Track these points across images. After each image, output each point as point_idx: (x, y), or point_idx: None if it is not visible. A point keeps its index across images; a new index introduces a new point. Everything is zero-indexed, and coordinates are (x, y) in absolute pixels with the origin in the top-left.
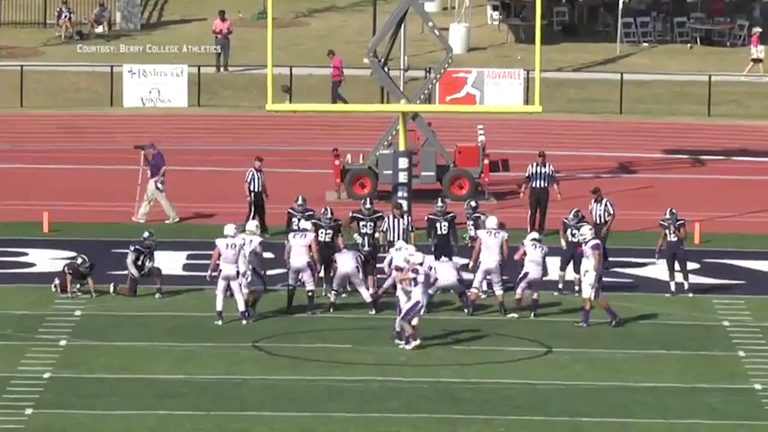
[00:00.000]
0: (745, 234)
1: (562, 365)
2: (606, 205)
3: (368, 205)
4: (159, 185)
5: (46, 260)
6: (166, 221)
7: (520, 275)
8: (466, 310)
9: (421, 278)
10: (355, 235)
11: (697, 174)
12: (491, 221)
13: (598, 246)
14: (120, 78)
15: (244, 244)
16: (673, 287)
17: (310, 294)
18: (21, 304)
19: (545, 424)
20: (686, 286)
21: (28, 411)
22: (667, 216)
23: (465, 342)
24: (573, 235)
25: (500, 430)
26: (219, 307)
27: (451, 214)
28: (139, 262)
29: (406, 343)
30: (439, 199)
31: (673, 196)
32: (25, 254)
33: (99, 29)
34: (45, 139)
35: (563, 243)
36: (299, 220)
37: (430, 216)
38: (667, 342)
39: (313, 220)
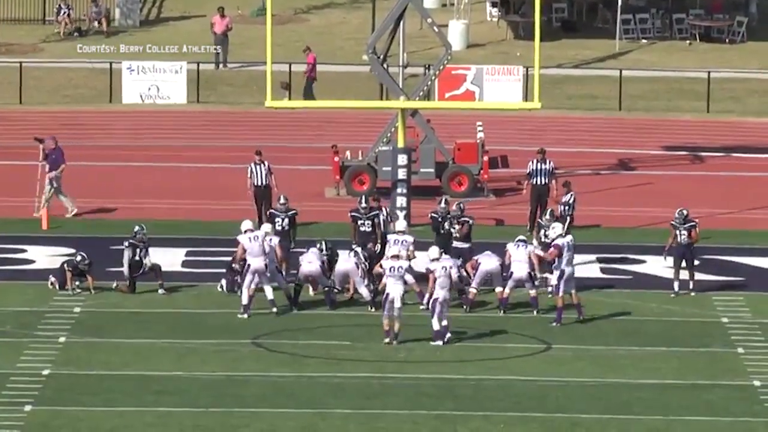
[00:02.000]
0: (744, 230)
1: (562, 362)
2: (570, 198)
3: (364, 204)
4: (54, 181)
5: (45, 257)
6: (66, 215)
7: (507, 275)
8: (465, 307)
9: (390, 271)
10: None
11: (697, 171)
12: (519, 237)
13: (556, 246)
14: (119, 75)
15: (265, 236)
16: (676, 287)
17: (326, 289)
18: (20, 300)
19: (545, 421)
20: (691, 285)
21: (28, 408)
22: (676, 216)
23: (464, 338)
24: (546, 236)
25: (500, 426)
26: (245, 300)
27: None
28: (137, 258)
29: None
30: (444, 199)
31: (673, 193)
32: (24, 251)
33: (96, 24)
34: (44, 135)
35: (535, 243)
36: (282, 219)
37: (433, 215)
38: (666, 339)
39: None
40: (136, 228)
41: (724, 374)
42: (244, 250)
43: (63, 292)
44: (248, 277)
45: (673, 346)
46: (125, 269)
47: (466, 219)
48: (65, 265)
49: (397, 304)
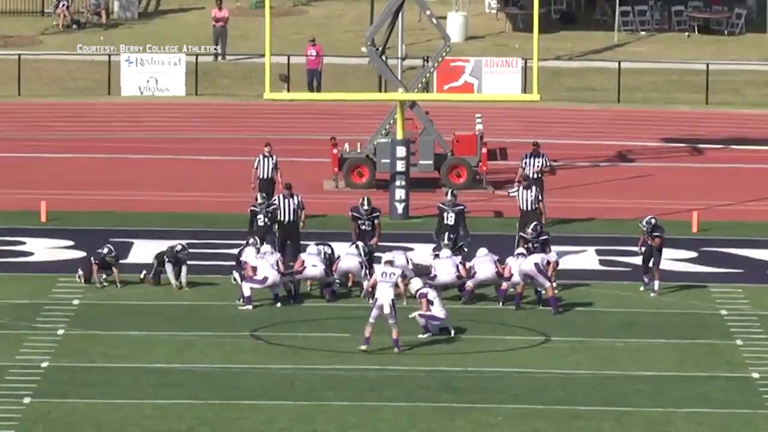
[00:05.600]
0: (743, 222)
1: (561, 354)
2: (535, 191)
3: (366, 206)
4: None
5: (43, 249)
6: None
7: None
8: (462, 299)
9: (382, 277)
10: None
11: (695, 162)
12: (519, 251)
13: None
14: (118, 67)
15: (264, 254)
16: (656, 286)
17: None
18: (19, 293)
19: (544, 413)
20: (656, 286)
21: (27, 400)
22: (644, 224)
23: (463, 331)
24: (535, 248)
25: (498, 418)
26: (247, 292)
27: (460, 207)
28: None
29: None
30: (450, 191)
31: (671, 185)
32: (23, 243)
33: (95, 17)
34: (43, 127)
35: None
36: (264, 216)
37: (440, 205)
38: (665, 331)
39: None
40: (179, 247)
41: (722, 366)
42: (253, 268)
43: (88, 285)
44: (260, 286)
45: (671, 338)
46: (173, 280)
47: (460, 207)
48: (92, 258)
49: (386, 310)
